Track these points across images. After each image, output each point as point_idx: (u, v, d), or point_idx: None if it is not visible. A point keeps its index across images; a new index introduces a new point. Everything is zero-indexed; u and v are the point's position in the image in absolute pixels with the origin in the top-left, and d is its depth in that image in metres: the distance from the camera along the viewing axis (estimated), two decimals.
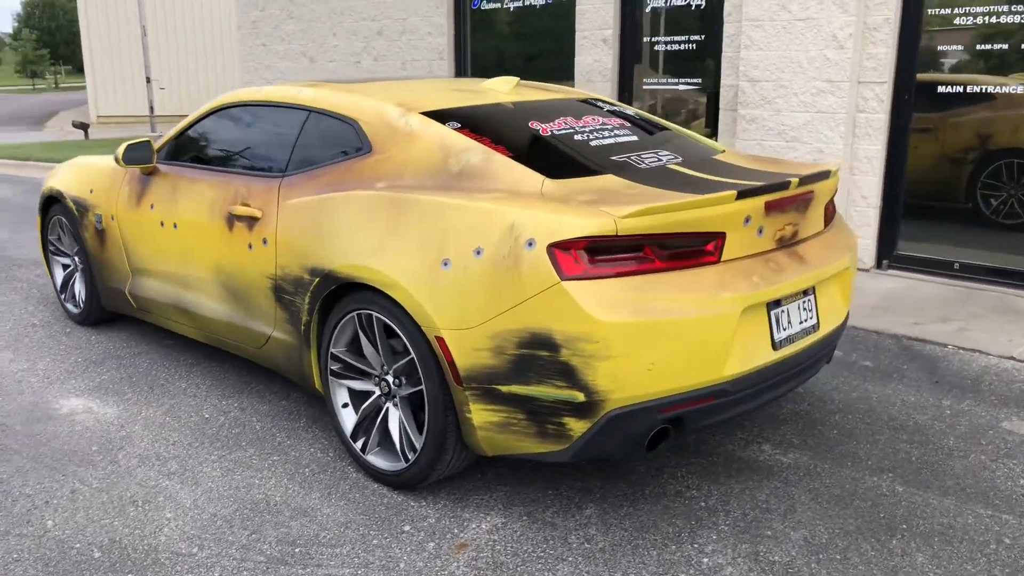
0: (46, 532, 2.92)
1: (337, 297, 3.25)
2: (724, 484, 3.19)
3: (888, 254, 6.38)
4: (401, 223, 2.99)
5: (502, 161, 3.05)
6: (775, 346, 2.93)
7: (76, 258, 5.04)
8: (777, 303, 2.93)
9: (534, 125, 3.37)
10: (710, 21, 7.06)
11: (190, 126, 4.26)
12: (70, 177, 4.91)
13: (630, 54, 7.56)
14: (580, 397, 2.63)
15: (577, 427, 2.69)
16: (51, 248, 5.25)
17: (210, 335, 4.06)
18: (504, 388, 2.74)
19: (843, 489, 3.15)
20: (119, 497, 3.14)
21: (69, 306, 5.17)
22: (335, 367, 3.32)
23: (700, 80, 7.22)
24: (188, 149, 4.21)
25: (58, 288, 5.26)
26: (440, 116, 3.33)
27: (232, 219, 3.71)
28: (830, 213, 3.42)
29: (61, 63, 70.19)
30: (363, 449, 3.24)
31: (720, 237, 2.80)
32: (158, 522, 2.97)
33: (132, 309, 4.61)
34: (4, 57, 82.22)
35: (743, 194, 2.78)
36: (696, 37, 7.19)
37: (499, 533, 2.89)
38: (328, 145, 3.51)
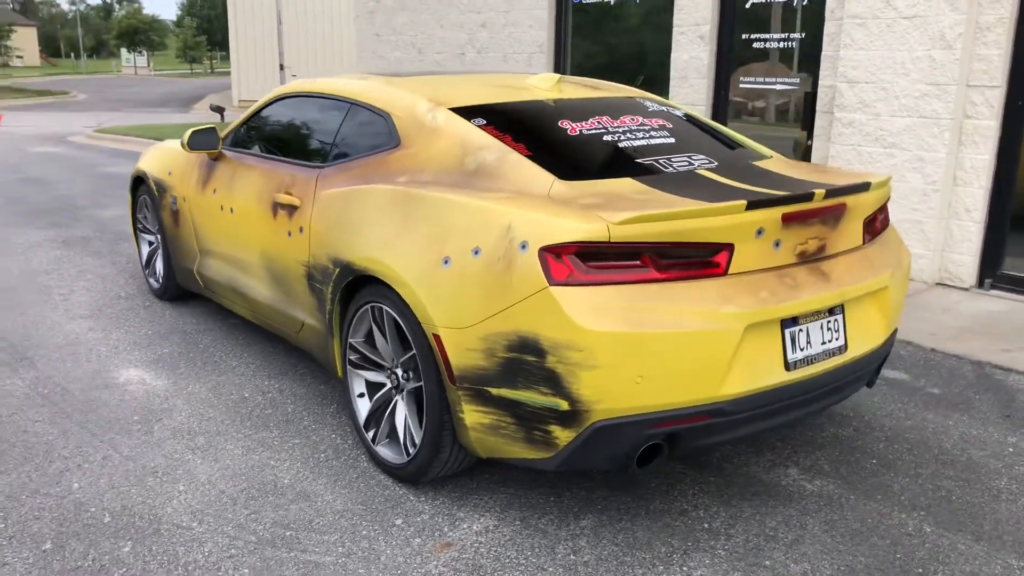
0: (70, 493, 3.10)
1: (356, 288, 3.29)
2: (735, 506, 3.04)
3: (992, 273, 5.92)
4: (411, 219, 3.00)
5: (516, 160, 3.00)
6: (788, 366, 2.76)
7: (157, 236, 5.32)
8: (793, 321, 2.77)
9: (563, 124, 3.30)
10: (811, 18, 6.73)
11: (253, 115, 4.41)
12: (154, 159, 5.18)
13: (727, 51, 7.30)
14: (564, 405, 2.57)
15: (563, 436, 2.63)
16: (139, 225, 5.57)
17: (259, 317, 4.20)
18: (494, 391, 2.70)
19: (863, 524, 2.94)
20: (143, 467, 3.29)
21: (151, 281, 5.47)
22: (353, 357, 3.37)
23: (798, 80, 6.89)
24: (248, 137, 4.36)
25: (143, 263, 5.57)
26: (468, 112, 3.31)
27: (276, 207, 3.82)
28: (877, 227, 3.19)
29: (217, 49, 74.24)
30: (374, 439, 3.28)
31: (727, 249, 2.66)
32: (170, 494, 3.10)
33: (200, 287, 4.83)
34: (168, 43, 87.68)
35: (754, 204, 2.63)
36: (796, 35, 6.86)
37: (488, 536, 2.86)
38: (364, 137, 3.56)
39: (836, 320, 2.91)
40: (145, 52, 65.87)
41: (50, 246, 6.97)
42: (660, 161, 3.15)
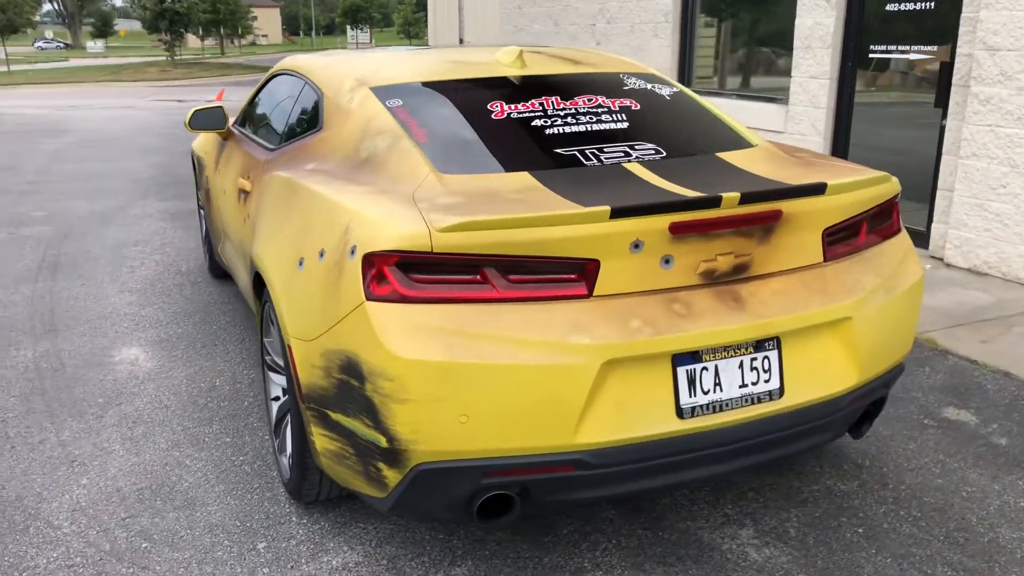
0: None
1: (262, 285, 3.05)
2: (648, 571, 2.52)
3: None
4: (289, 213, 2.70)
5: (405, 149, 2.62)
6: (682, 413, 2.20)
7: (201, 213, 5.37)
8: (692, 357, 2.20)
9: (493, 106, 2.85)
10: None
11: (255, 93, 4.27)
12: (200, 137, 5.21)
13: (856, 16, 6.32)
14: (383, 441, 2.18)
15: (390, 476, 2.24)
16: (199, 202, 5.66)
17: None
18: (333, 415, 2.36)
19: None
20: (67, 455, 3.25)
21: (206, 258, 5.55)
22: (266, 358, 3.13)
23: (935, 48, 5.83)
24: (246, 116, 4.23)
25: (203, 240, 5.66)
26: (388, 92, 2.95)
27: (240, 192, 3.65)
28: (860, 241, 2.50)
29: None
30: (279, 449, 3.04)
31: (592, 265, 2.14)
32: (69, 488, 3.02)
33: (224, 267, 4.81)
34: (394, 19, 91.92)
35: (621, 212, 2.09)
36: None
37: (342, 572, 2.54)
38: (304, 119, 3.30)
39: (766, 358, 2.30)
40: (368, 29, 69.35)
41: (158, 217, 7.32)
42: (588, 152, 2.64)
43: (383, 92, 2.94)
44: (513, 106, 2.85)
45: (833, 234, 2.43)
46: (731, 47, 8.05)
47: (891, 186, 2.58)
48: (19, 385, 3.87)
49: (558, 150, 2.64)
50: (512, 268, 2.12)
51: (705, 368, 2.23)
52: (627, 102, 2.99)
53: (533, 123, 2.77)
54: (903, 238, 2.68)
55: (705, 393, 2.23)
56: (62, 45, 79.84)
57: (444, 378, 2.06)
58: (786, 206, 2.27)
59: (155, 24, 36.57)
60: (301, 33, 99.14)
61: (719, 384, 2.24)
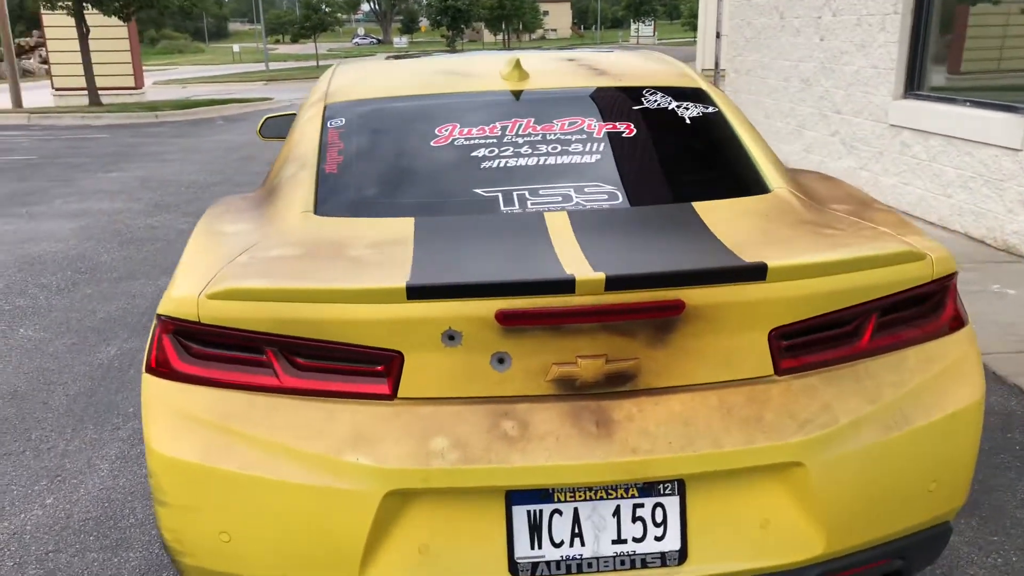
0: None
1: None
2: None
3: None
4: None
5: (300, 180, 2.20)
6: (517, 570, 1.60)
7: None
8: (540, 495, 1.58)
9: (442, 130, 2.33)
10: None
11: None
12: None
13: None
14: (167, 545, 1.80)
15: None
16: None
17: None
18: None
19: None
20: (57, 468, 3.20)
21: None
22: None
23: None
24: None
25: None
26: (340, 109, 2.53)
27: None
28: (859, 345, 1.70)
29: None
30: None
31: (395, 359, 1.59)
32: (30, 507, 2.94)
33: None
34: (682, 10, 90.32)
35: (420, 291, 1.52)
36: None
37: None
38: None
39: (659, 506, 1.61)
40: (652, 21, 68.66)
41: None
42: (518, 194, 2.06)
43: (335, 109, 2.53)
44: (467, 130, 2.32)
45: (796, 335, 1.67)
46: (971, 44, 6.65)
47: (922, 266, 1.73)
48: (77, 384, 3.95)
49: (479, 189, 2.08)
50: (302, 352, 1.64)
51: (558, 512, 1.60)
52: (620, 127, 2.33)
53: (474, 153, 2.22)
54: (953, 341, 1.81)
55: (556, 546, 1.60)
56: (374, 41, 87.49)
57: (198, 484, 1.64)
58: (694, 295, 1.56)
59: (438, 20, 38.72)
60: (592, 27, 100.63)
61: (579, 535, 1.60)
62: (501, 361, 1.59)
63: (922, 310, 1.78)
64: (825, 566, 1.67)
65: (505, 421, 1.58)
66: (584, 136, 2.27)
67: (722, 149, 2.32)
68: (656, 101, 2.50)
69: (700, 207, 1.99)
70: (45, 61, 29.60)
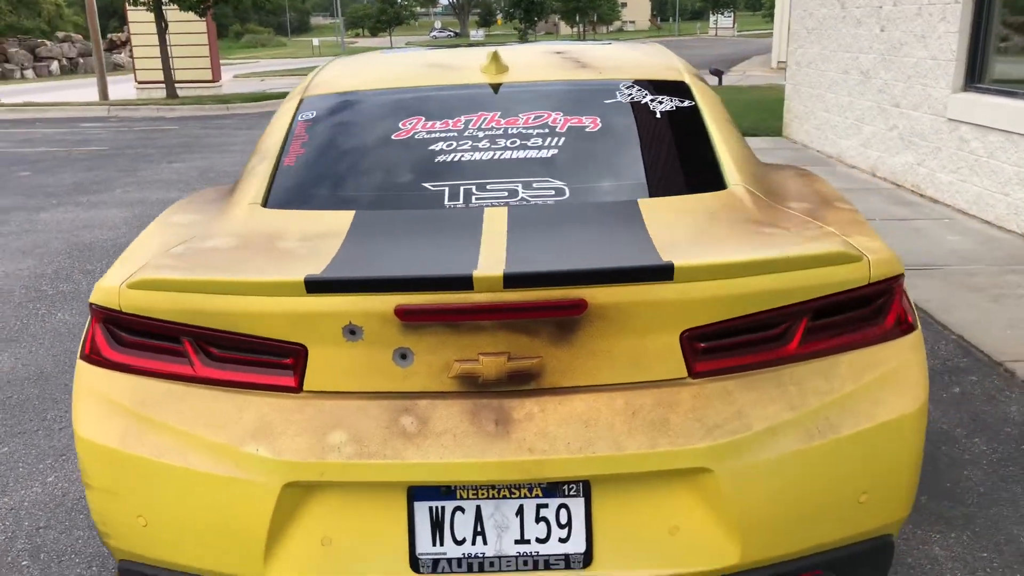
0: None
1: None
2: None
3: None
4: None
5: (259, 173, 2.22)
6: (418, 566, 1.59)
7: None
8: (442, 492, 1.57)
9: (407, 123, 2.33)
10: None
11: None
12: None
13: None
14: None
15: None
16: None
17: None
18: None
19: None
20: (63, 448, 3.33)
21: None
22: None
23: None
24: None
25: None
26: (314, 103, 2.54)
27: None
28: (786, 349, 1.63)
29: None
30: None
31: (299, 352, 1.60)
32: (31, 485, 3.06)
33: None
34: (763, 2, 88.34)
35: (319, 285, 1.52)
36: None
37: None
38: None
39: (563, 507, 1.57)
40: (731, 13, 67.29)
41: None
42: (465, 188, 2.04)
43: (310, 102, 2.55)
44: (431, 124, 2.31)
45: (713, 337, 1.60)
46: None
47: (858, 267, 1.64)
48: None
49: (428, 184, 2.07)
50: (215, 343, 1.66)
51: (460, 509, 1.58)
52: (586, 121, 2.29)
53: (432, 147, 2.21)
54: (895, 347, 1.72)
55: (458, 543, 1.58)
56: (452, 34, 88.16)
57: (115, 469, 1.68)
58: (598, 294, 1.52)
59: (511, 13, 38.80)
60: (670, 19, 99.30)
61: (481, 534, 1.58)
62: (404, 357, 1.57)
63: (861, 314, 1.69)
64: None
65: (405, 417, 1.57)
66: (546, 131, 2.24)
67: (686, 145, 2.25)
68: (631, 95, 2.44)
69: (645, 204, 1.94)
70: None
